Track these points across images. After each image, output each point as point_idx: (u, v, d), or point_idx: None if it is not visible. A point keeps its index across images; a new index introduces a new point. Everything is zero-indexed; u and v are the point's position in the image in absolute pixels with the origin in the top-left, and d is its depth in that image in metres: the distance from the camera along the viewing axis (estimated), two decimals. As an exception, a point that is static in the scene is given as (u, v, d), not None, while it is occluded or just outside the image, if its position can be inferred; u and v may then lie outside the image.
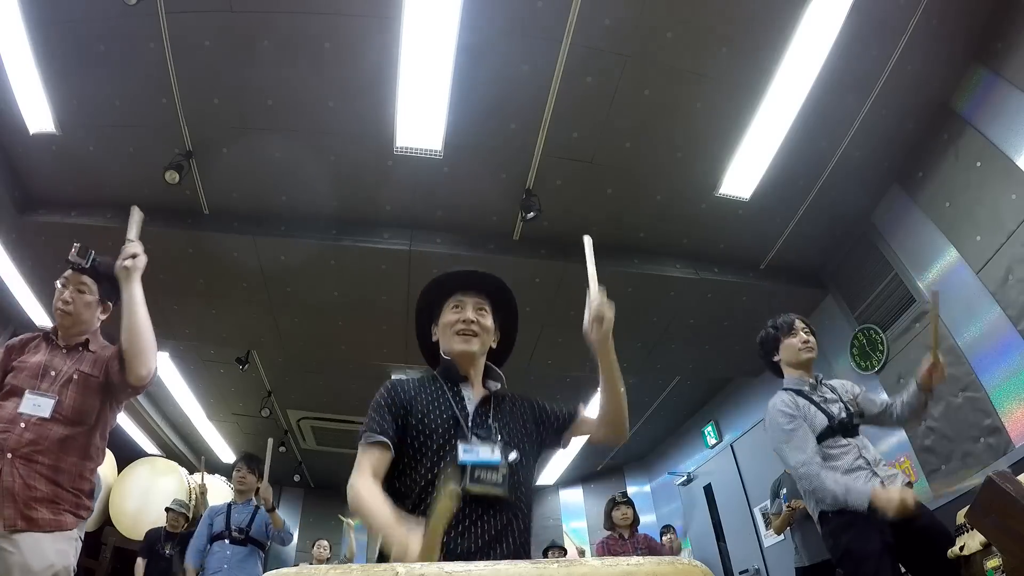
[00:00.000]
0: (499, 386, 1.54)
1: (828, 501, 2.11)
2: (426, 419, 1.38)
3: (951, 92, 3.35)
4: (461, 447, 1.32)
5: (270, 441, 3.94)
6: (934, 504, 3.27)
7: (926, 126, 3.49)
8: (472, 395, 1.47)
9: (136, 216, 1.85)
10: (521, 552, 1.29)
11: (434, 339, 1.58)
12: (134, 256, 1.75)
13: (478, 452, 1.32)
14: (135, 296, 1.75)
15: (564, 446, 1.57)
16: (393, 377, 1.54)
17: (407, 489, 1.32)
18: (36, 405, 1.75)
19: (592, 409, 1.56)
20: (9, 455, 1.67)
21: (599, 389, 1.47)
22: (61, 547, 1.66)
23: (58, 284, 1.96)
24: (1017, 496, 1.47)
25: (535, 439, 1.49)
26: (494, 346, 1.58)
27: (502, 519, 1.29)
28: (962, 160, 3.30)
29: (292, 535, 3.90)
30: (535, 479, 1.48)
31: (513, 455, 1.36)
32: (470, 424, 1.38)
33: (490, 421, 1.41)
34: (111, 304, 2.06)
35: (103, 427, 1.89)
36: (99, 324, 2.05)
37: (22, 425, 1.72)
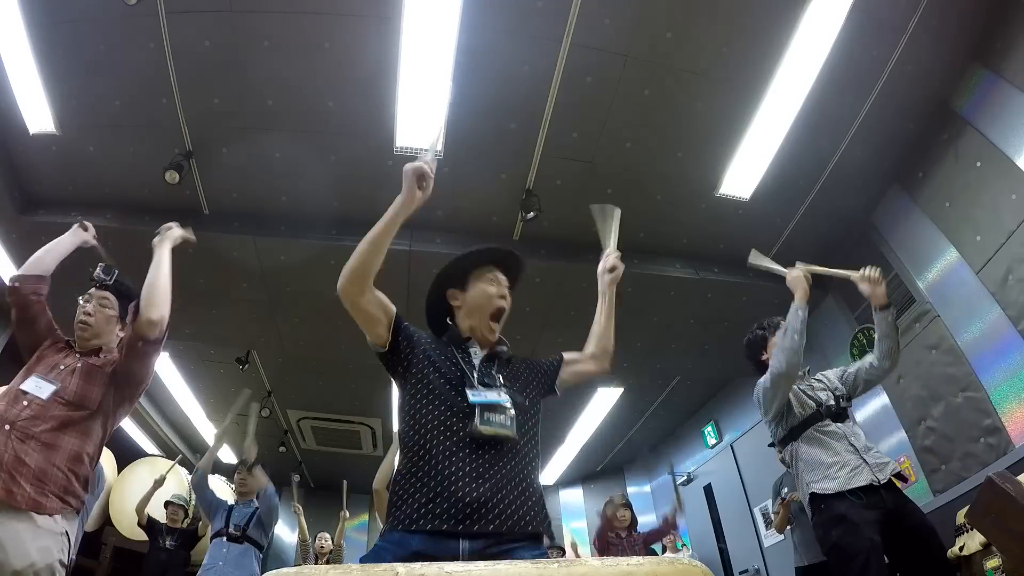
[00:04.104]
0: (505, 348, 1.62)
1: (795, 327, 2.28)
2: (435, 365, 1.46)
3: (951, 92, 3.35)
4: (469, 392, 1.39)
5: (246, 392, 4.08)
6: (934, 503, 3.28)
7: (926, 126, 3.49)
8: (478, 352, 1.56)
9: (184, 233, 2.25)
10: (535, 499, 1.33)
11: (455, 303, 1.64)
12: (170, 228, 2.16)
13: (485, 395, 1.39)
14: (162, 256, 2.06)
15: (558, 389, 1.64)
16: None
17: (416, 434, 1.37)
18: (37, 387, 1.81)
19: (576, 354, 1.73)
20: (7, 427, 1.71)
21: (597, 316, 1.72)
22: (43, 544, 1.64)
23: (81, 299, 2.06)
24: (1017, 496, 1.47)
25: (539, 393, 1.56)
26: None
27: (514, 462, 1.34)
28: (962, 160, 3.30)
29: (276, 497, 3.89)
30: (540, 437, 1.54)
31: (519, 399, 1.44)
32: (476, 375, 1.46)
33: (495, 372, 1.49)
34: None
35: (105, 416, 1.89)
36: (116, 341, 2.10)
37: (24, 403, 1.77)
